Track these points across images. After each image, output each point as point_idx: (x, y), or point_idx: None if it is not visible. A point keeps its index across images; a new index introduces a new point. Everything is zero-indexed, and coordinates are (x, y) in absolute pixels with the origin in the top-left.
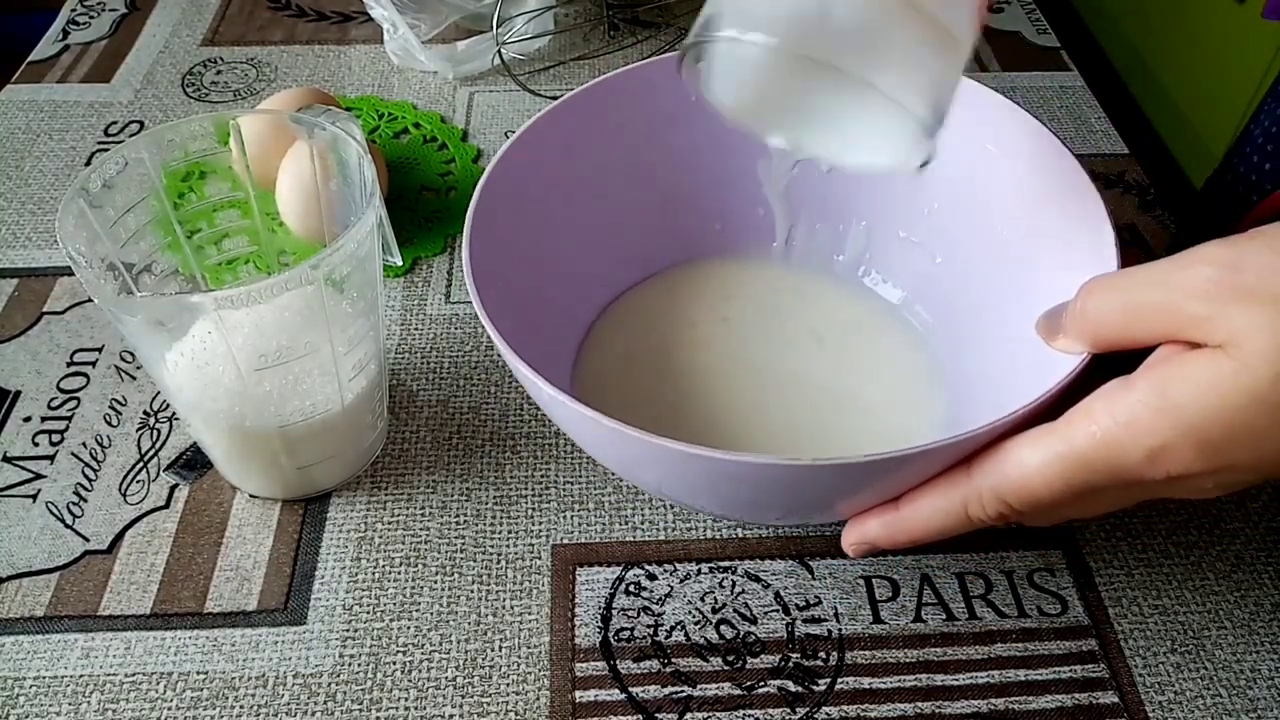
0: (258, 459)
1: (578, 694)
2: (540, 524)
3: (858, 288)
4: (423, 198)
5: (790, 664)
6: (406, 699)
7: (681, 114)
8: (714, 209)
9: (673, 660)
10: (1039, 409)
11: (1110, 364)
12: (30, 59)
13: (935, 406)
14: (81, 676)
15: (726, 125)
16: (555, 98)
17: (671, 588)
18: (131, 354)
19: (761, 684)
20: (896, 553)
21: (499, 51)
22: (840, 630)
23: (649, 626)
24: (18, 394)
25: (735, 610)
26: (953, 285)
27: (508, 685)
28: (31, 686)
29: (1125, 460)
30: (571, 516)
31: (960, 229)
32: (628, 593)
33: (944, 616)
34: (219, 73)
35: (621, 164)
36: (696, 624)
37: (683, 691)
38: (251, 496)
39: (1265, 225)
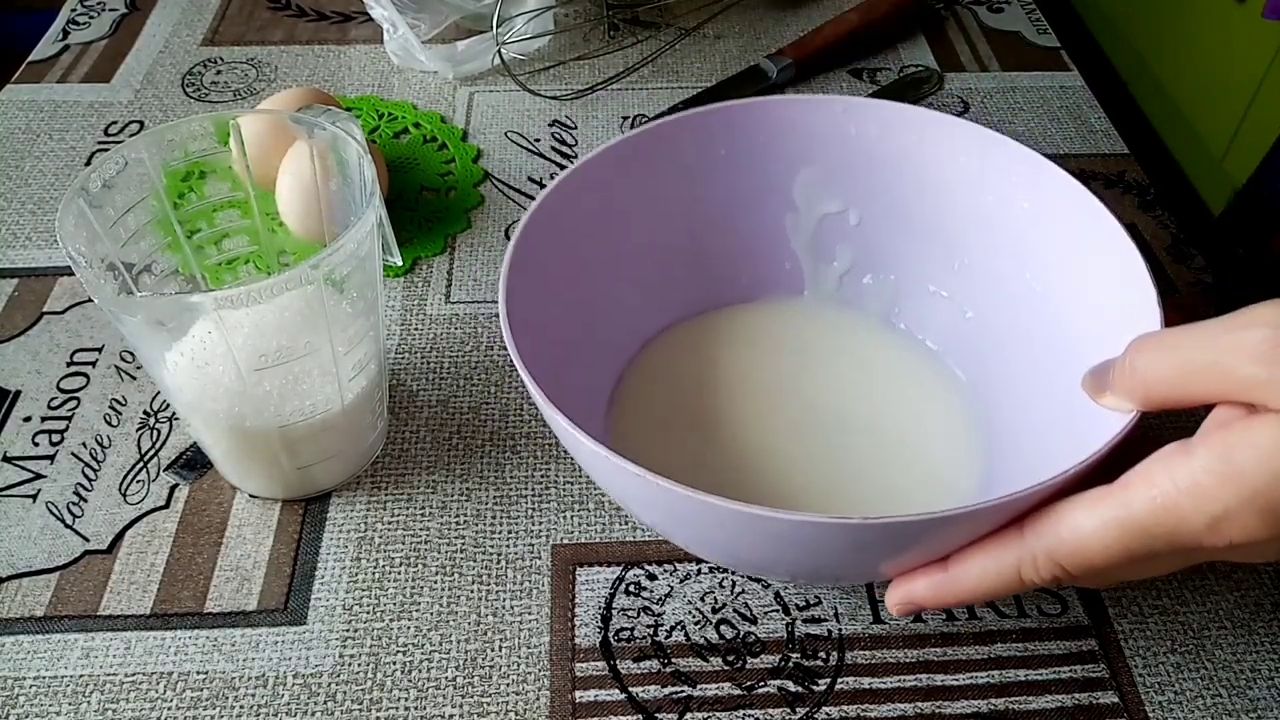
0: (258, 459)
1: (578, 694)
2: (540, 524)
3: (891, 333)
4: (423, 198)
5: (790, 664)
6: (406, 699)
7: (709, 169)
8: (741, 261)
9: (673, 660)
10: (1090, 468)
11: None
12: (30, 59)
13: (974, 455)
14: (81, 676)
15: (752, 180)
16: (555, 98)
17: (671, 588)
18: (131, 354)
19: (761, 684)
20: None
21: (499, 51)
22: (840, 630)
23: (649, 626)
24: (18, 394)
25: (735, 610)
26: (985, 340)
27: (508, 685)
28: (31, 686)
29: (1186, 527)
30: (571, 516)
31: (992, 284)
32: (628, 593)
33: (944, 616)
34: (219, 73)
35: (651, 216)
36: (696, 624)
37: (683, 691)
38: (251, 496)
39: None
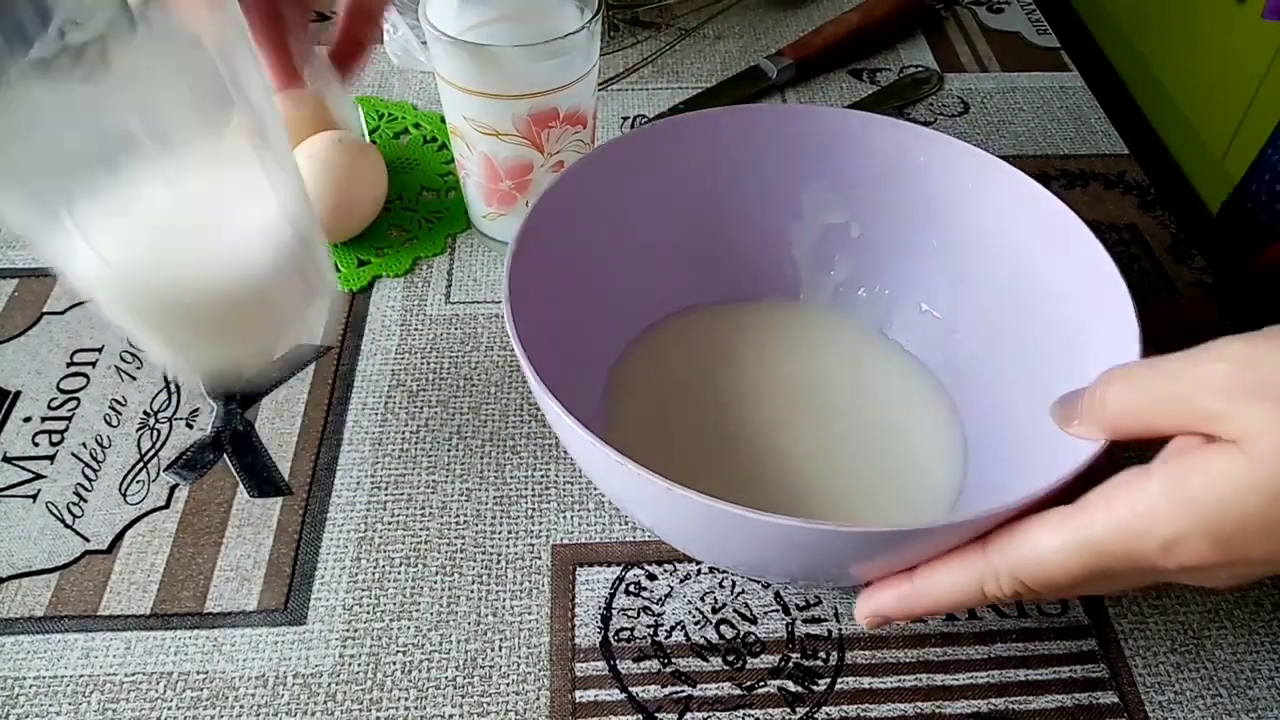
0: (177, 335)
1: (578, 694)
2: (540, 524)
3: (880, 343)
4: (423, 198)
5: (790, 664)
6: (406, 699)
7: (719, 169)
8: (741, 261)
9: (673, 660)
10: (1056, 492)
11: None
12: None
13: (951, 463)
14: (81, 676)
15: (761, 184)
16: None
17: (671, 588)
18: (132, 354)
19: (761, 684)
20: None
21: None
22: (840, 630)
23: (649, 626)
24: (18, 394)
25: (735, 610)
26: (970, 360)
27: (508, 685)
28: (31, 686)
29: (1141, 549)
30: (571, 516)
31: (983, 310)
32: (628, 593)
33: (944, 616)
34: None
35: (656, 212)
36: (696, 624)
37: (683, 691)
38: (250, 497)
39: None
